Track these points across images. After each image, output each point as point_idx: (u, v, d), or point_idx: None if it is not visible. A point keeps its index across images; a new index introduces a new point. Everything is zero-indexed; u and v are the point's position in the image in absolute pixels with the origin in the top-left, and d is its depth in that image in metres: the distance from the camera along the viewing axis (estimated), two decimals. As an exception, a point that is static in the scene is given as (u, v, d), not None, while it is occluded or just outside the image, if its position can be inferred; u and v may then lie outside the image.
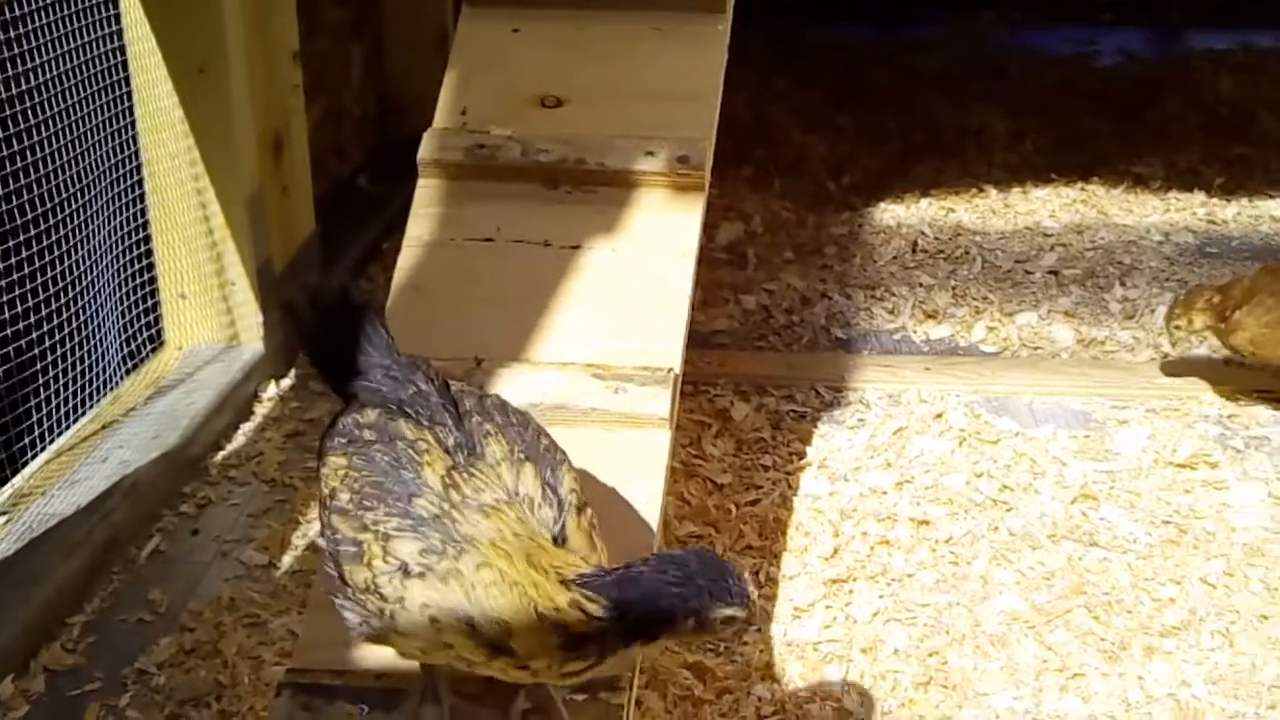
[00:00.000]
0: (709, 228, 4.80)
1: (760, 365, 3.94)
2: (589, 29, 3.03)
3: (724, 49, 3.04)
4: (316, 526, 3.26)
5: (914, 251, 4.67)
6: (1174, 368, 3.83)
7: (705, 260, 4.56)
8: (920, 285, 4.40)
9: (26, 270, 3.16)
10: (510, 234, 2.69)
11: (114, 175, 3.60)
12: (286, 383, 3.92)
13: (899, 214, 4.97)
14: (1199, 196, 5.01)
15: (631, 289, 2.60)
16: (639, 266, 2.64)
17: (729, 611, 1.88)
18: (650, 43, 3.01)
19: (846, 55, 6.87)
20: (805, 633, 2.86)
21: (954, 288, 4.37)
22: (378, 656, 2.20)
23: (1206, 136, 5.54)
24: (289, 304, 2.28)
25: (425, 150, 2.81)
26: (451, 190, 2.77)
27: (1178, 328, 3.59)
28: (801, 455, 3.51)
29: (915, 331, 4.17)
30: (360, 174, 5.14)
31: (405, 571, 1.87)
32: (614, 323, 2.54)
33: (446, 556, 1.86)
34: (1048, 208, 4.97)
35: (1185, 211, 4.92)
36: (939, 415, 3.65)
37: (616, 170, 2.74)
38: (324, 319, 2.18)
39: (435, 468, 1.95)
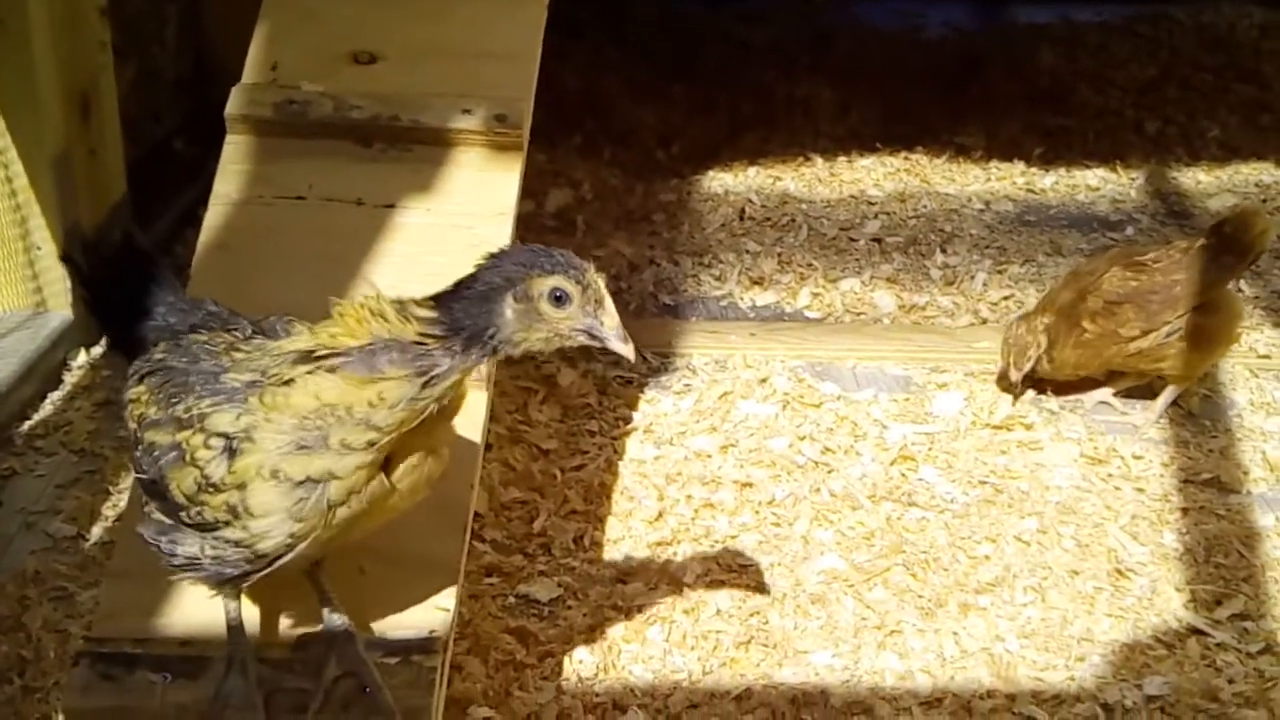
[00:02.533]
0: (538, 194, 4.76)
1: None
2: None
3: (544, 8, 3.00)
4: (127, 497, 3.17)
5: (741, 219, 4.70)
6: (991, 333, 3.93)
7: (534, 227, 4.53)
8: (747, 252, 4.43)
9: None
10: (322, 192, 2.62)
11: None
12: (97, 350, 3.77)
13: (727, 182, 4.99)
14: (1019, 166, 5.14)
15: (448, 249, 2.55)
16: (456, 226, 2.60)
17: (553, 281, 1.79)
18: (468, 1, 2.95)
19: (678, 28, 6.84)
20: (629, 596, 2.86)
21: (780, 255, 4.41)
22: (182, 623, 2.13)
23: (1028, 108, 5.66)
24: (67, 256, 2.22)
25: (233, 106, 2.72)
26: (261, 147, 2.69)
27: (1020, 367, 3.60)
28: (628, 420, 3.51)
29: (742, 298, 4.20)
30: (176, 137, 4.96)
31: (230, 450, 1.81)
32: (429, 284, 2.47)
33: (256, 409, 1.81)
34: (872, 176, 5.04)
35: (1006, 181, 5.04)
36: (764, 380, 3.68)
37: (432, 128, 2.68)
38: (108, 265, 2.12)
39: (236, 350, 1.91)
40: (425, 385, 1.80)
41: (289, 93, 2.73)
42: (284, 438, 1.80)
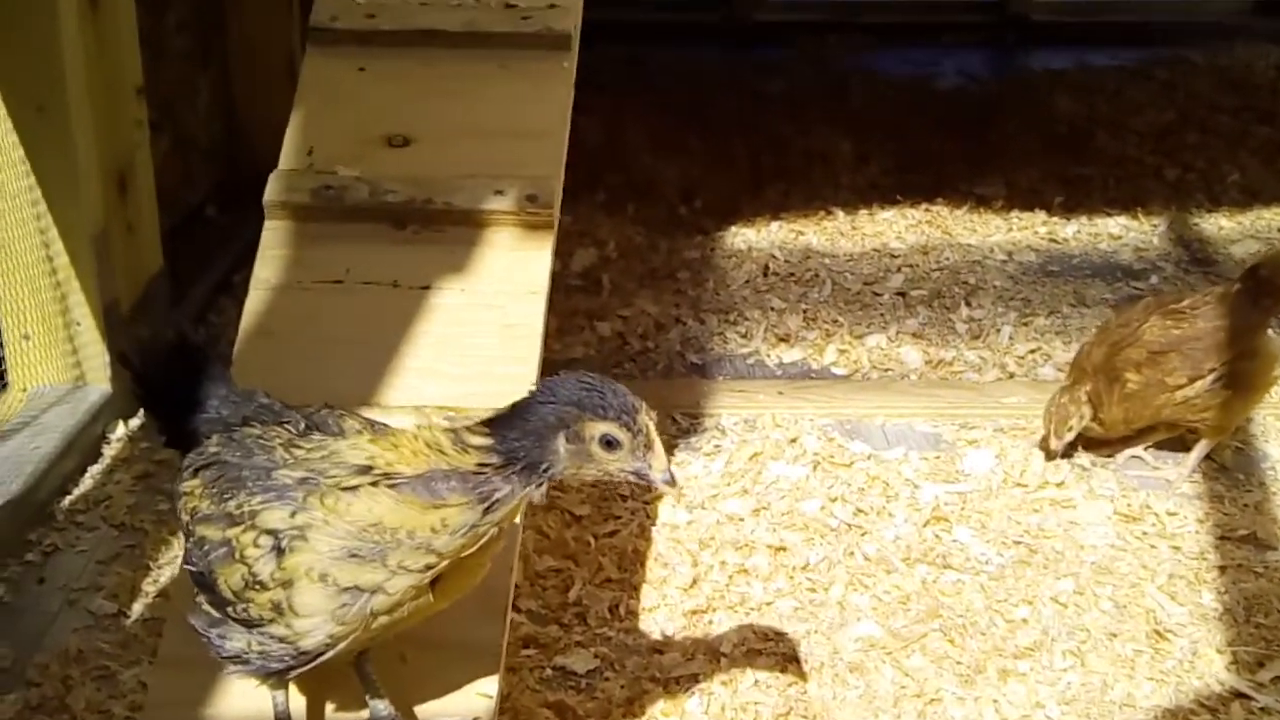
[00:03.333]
0: (564, 254, 4.82)
1: (618, 393, 3.95)
2: (435, 67, 3.02)
3: (570, 86, 3.06)
4: (168, 572, 3.22)
5: (765, 275, 4.74)
6: (1019, 388, 3.96)
7: (560, 287, 4.58)
8: (772, 309, 4.47)
9: None
10: (359, 276, 2.67)
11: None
12: (135, 423, 3.82)
13: (750, 237, 5.03)
14: (1040, 216, 5.17)
15: (482, 330, 2.60)
16: (489, 306, 2.64)
17: (604, 428, 1.84)
18: (497, 80, 3.01)
19: (695, 78, 6.94)
20: (666, 667, 2.88)
21: (805, 311, 4.45)
22: (230, 714, 2.16)
23: (1046, 156, 5.71)
24: (123, 355, 2.27)
25: (272, 192, 2.78)
26: (299, 232, 2.74)
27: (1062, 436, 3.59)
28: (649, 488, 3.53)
29: (768, 356, 4.23)
30: (209, 204, 5.04)
31: (279, 549, 1.85)
32: (465, 365, 2.54)
33: (314, 507, 1.85)
34: (894, 229, 5.08)
35: (1027, 230, 5.08)
36: (793, 440, 3.71)
37: (465, 210, 2.73)
38: (161, 364, 2.18)
39: (294, 447, 1.95)
40: (487, 511, 1.85)
41: (325, 178, 2.78)
42: (338, 543, 1.84)
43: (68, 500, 3.51)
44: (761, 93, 6.72)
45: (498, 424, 1.88)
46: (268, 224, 2.76)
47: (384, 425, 2.00)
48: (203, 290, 4.51)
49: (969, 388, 4.01)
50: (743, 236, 5.05)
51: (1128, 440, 3.65)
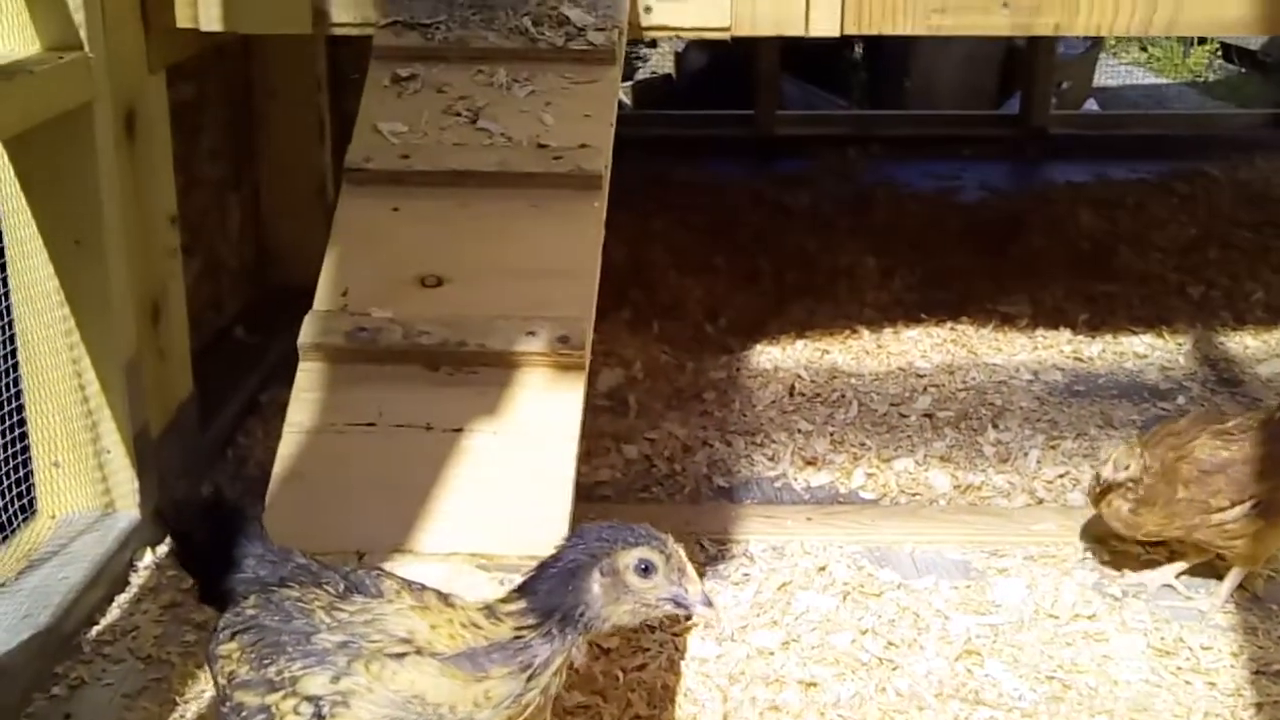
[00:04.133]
0: (590, 374, 4.80)
1: (644, 520, 3.93)
2: (468, 206, 3.07)
3: (601, 225, 3.10)
4: (194, 707, 3.20)
5: (791, 395, 4.75)
6: (1048, 514, 3.94)
7: (587, 408, 4.49)
8: (799, 431, 4.47)
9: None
10: (392, 418, 2.69)
11: (-13, 346, 3.55)
12: (163, 549, 3.82)
13: (775, 356, 5.05)
14: (1065, 334, 5.18)
15: (514, 473, 2.61)
16: (522, 449, 2.65)
17: (638, 553, 1.83)
18: (528, 220, 3.05)
19: (719, 193, 7.03)
20: (698, 809, 2.85)
21: (832, 433, 4.45)
22: None
23: (1070, 272, 5.73)
24: (160, 514, 2.30)
25: (306, 334, 2.81)
26: (333, 374, 2.77)
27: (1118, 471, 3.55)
28: (688, 615, 3.51)
29: (796, 479, 4.22)
30: (238, 325, 5.09)
31: (319, 716, 1.84)
32: (498, 510, 2.55)
33: (358, 673, 1.84)
34: (919, 348, 5.09)
35: (1053, 349, 5.08)
36: (822, 568, 3.69)
37: (498, 351, 2.76)
38: (197, 522, 2.19)
39: (336, 610, 1.95)
40: (530, 678, 1.85)
41: (359, 320, 2.82)
42: (382, 712, 1.83)
43: (95, 631, 3.50)
44: (785, 207, 6.80)
45: (527, 584, 1.89)
46: (302, 365, 2.79)
47: (421, 585, 2.00)
48: (231, 412, 4.53)
49: (998, 514, 3.99)
50: (768, 355, 5.07)
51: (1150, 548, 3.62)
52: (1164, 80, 10.67)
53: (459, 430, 2.67)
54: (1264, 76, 10.16)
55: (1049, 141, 7.68)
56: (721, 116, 7.95)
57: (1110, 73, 10.51)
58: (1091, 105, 9.13)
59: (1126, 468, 3.48)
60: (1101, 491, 3.54)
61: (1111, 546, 3.77)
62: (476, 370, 2.76)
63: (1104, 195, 6.77)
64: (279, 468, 2.66)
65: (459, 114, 3.25)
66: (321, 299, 2.89)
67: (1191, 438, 3.53)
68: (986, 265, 5.90)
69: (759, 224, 6.54)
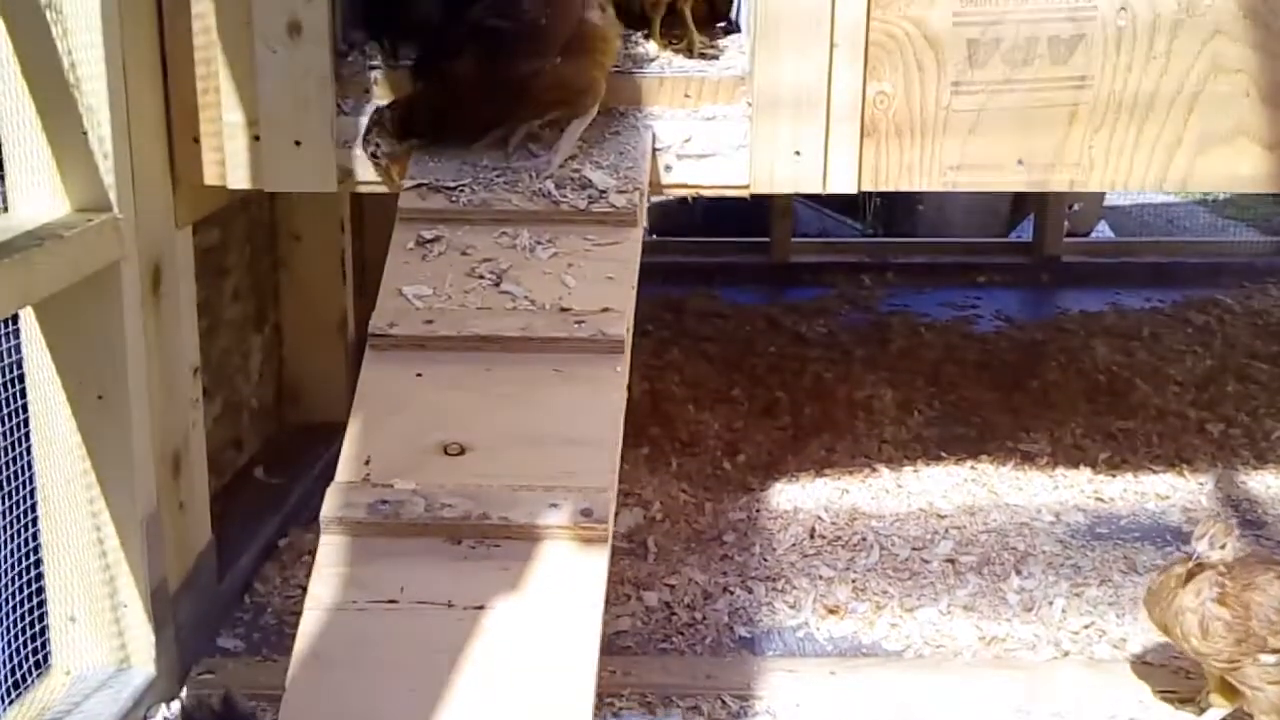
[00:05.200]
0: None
1: (666, 673, 3.91)
2: (492, 372, 3.08)
3: (623, 390, 3.11)
4: None
5: (812, 538, 4.72)
6: (1074, 669, 3.89)
7: (606, 553, 4.57)
8: (821, 578, 4.44)
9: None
10: (413, 595, 2.68)
11: (6, 500, 3.54)
12: (176, 706, 3.79)
13: (795, 496, 5.03)
14: (1085, 473, 5.16)
15: (536, 650, 2.59)
16: (543, 625, 2.64)
17: None
18: (551, 386, 3.06)
19: (735, 321, 7.07)
20: None
21: (854, 580, 4.41)
22: None
23: (1088, 406, 5.73)
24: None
25: (328, 508, 2.81)
26: (355, 548, 2.76)
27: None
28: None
29: (818, 629, 4.18)
30: (257, 465, 5.09)
31: None
32: (518, 689, 2.52)
33: None
34: (940, 487, 5.07)
35: (1074, 489, 5.05)
36: (847, 727, 3.65)
37: (520, 525, 2.76)
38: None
39: None
40: None
41: (382, 492, 2.82)
42: None
43: (109, 792, 3.47)
44: (802, 336, 6.83)
45: None
46: (324, 538, 2.79)
47: None
48: (249, 558, 4.52)
49: (1023, 667, 3.94)
50: (788, 494, 5.05)
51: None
52: (1174, 199, 10.73)
53: (480, 608, 2.66)
54: (1274, 197, 10.22)
55: (1063, 269, 7.72)
56: (737, 243, 8.02)
57: (1120, 192, 10.57)
58: (1103, 226, 9.20)
59: (1222, 546, 3.42)
60: (1189, 574, 3.45)
61: (1141, 702, 3.71)
62: (499, 544, 2.76)
63: (1119, 326, 6.79)
64: (300, 646, 2.64)
65: (483, 277, 3.28)
66: (344, 469, 2.89)
67: (1260, 572, 3.48)
68: (1005, 399, 5.90)
69: (776, 353, 6.57)
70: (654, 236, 8.72)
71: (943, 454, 5.32)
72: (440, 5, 3.89)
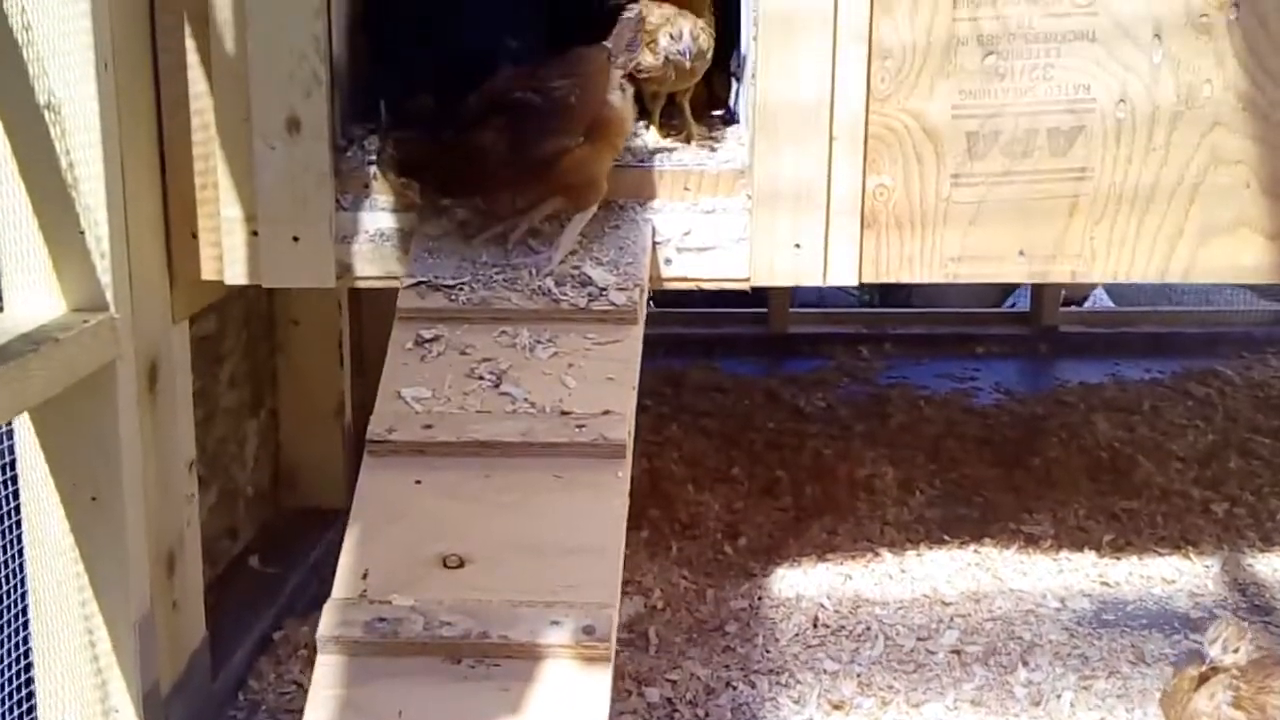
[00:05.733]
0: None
1: (669, 778, 3.85)
2: (492, 478, 3.04)
3: (624, 495, 3.07)
4: None
5: (815, 627, 4.66)
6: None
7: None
8: (825, 672, 4.37)
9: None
10: (412, 718, 2.62)
11: (-4, 604, 3.50)
12: (168, 810, 3.72)
13: (797, 582, 4.97)
14: (1090, 556, 5.10)
15: (539, 780, 2.54)
16: (546, 751, 2.58)
17: None
18: (552, 492, 3.02)
19: (734, 395, 7.03)
20: None
21: (859, 674, 4.34)
22: None
23: (1091, 485, 5.68)
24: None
25: (325, 626, 2.75)
26: (352, 669, 2.70)
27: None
28: None
29: (823, 725, 4.12)
30: (252, 554, 5.03)
31: None
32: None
33: None
34: (943, 572, 5.01)
35: (1079, 574, 4.99)
36: (853, 832, 3.58)
37: (521, 644, 2.70)
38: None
39: None
40: None
41: (379, 609, 2.76)
42: None
43: None
44: (801, 410, 6.79)
45: None
46: (320, 658, 2.73)
47: None
48: (242, 655, 4.44)
49: (1032, 767, 3.88)
50: (790, 581, 4.99)
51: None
52: (1171, 264, 10.74)
53: (481, 730, 2.60)
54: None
55: (1060, 339, 7.70)
56: (737, 314, 7.99)
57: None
58: (1100, 292, 9.18)
59: (1235, 650, 3.37)
60: (1202, 677, 3.39)
61: (1152, 806, 3.65)
62: (499, 663, 2.70)
63: (1119, 399, 6.75)
64: (298, 774, 2.58)
65: (482, 378, 3.25)
66: (341, 584, 2.84)
67: (1276, 675, 3.41)
68: (1006, 476, 5.85)
69: (776, 429, 6.53)
70: (654, 306, 8.74)
71: (946, 536, 5.26)
72: (438, 95, 3.88)
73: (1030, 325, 7.83)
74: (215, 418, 4.76)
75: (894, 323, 7.98)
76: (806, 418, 6.69)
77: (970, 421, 6.56)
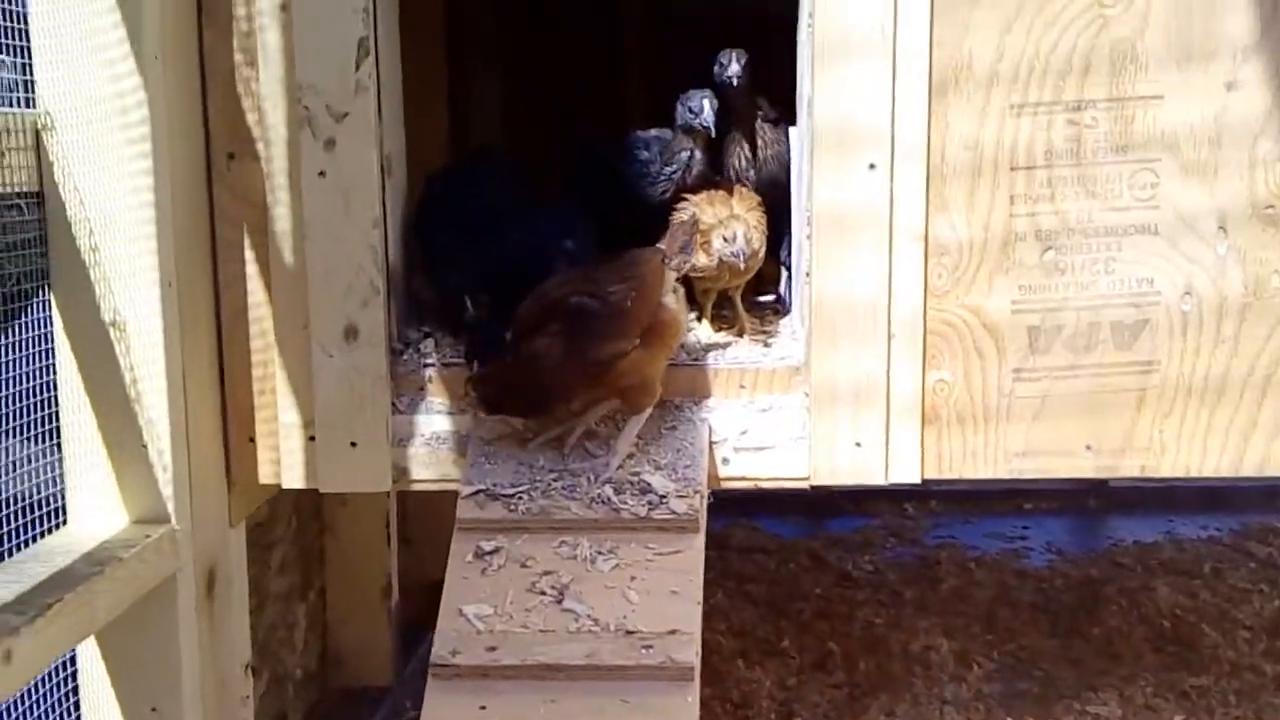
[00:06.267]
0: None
1: None
2: (558, 703, 2.97)
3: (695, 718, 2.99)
4: None
5: (879, 828, 4.53)
6: None
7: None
8: None
9: None
10: None
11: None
12: None
13: (858, 781, 4.85)
14: (1163, 742, 4.98)
15: None
16: None
17: None
18: (620, 718, 2.95)
19: (777, 557, 6.95)
20: None
21: None
22: None
23: (1155, 658, 5.54)
24: None
25: None
26: None
27: None
28: None
29: None
30: (300, 740, 4.96)
31: None
32: None
33: None
34: (1008, 758, 4.89)
35: (1152, 767, 4.87)
36: None
37: None
38: None
39: None
40: None
41: None
42: None
43: None
44: (848, 575, 6.69)
45: None
46: None
47: None
48: None
49: None
50: (850, 774, 4.87)
51: None
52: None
53: None
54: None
55: (1110, 494, 7.60)
56: (780, 473, 7.91)
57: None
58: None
59: None
60: None
61: None
62: None
63: (1177, 560, 6.64)
64: None
65: (544, 592, 3.20)
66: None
67: None
68: (1065, 647, 5.73)
69: (823, 594, 6.44)
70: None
71: (1008, 717, 5.13)
72: (493, 297, 3.89)
73: (1080, 481, 7.72)
74: (266, 605, 4.72)
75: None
76: (855, 583, 6.59)
77: (1024, 586, 6.44)
